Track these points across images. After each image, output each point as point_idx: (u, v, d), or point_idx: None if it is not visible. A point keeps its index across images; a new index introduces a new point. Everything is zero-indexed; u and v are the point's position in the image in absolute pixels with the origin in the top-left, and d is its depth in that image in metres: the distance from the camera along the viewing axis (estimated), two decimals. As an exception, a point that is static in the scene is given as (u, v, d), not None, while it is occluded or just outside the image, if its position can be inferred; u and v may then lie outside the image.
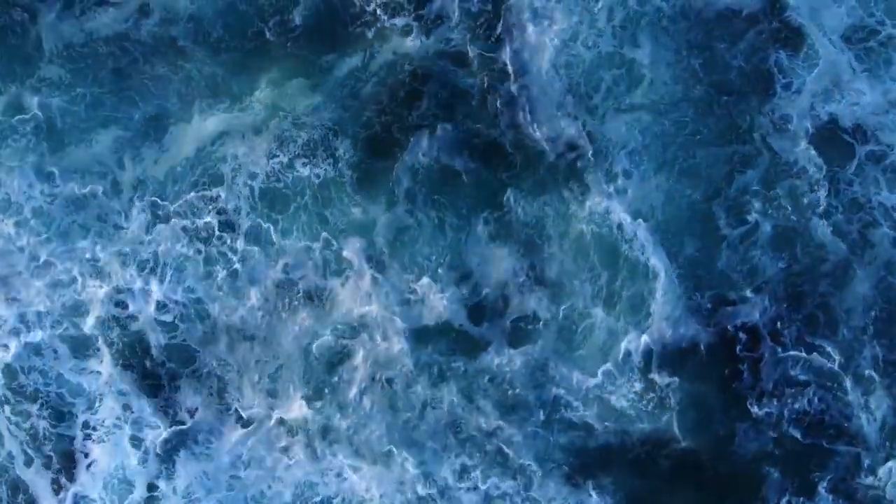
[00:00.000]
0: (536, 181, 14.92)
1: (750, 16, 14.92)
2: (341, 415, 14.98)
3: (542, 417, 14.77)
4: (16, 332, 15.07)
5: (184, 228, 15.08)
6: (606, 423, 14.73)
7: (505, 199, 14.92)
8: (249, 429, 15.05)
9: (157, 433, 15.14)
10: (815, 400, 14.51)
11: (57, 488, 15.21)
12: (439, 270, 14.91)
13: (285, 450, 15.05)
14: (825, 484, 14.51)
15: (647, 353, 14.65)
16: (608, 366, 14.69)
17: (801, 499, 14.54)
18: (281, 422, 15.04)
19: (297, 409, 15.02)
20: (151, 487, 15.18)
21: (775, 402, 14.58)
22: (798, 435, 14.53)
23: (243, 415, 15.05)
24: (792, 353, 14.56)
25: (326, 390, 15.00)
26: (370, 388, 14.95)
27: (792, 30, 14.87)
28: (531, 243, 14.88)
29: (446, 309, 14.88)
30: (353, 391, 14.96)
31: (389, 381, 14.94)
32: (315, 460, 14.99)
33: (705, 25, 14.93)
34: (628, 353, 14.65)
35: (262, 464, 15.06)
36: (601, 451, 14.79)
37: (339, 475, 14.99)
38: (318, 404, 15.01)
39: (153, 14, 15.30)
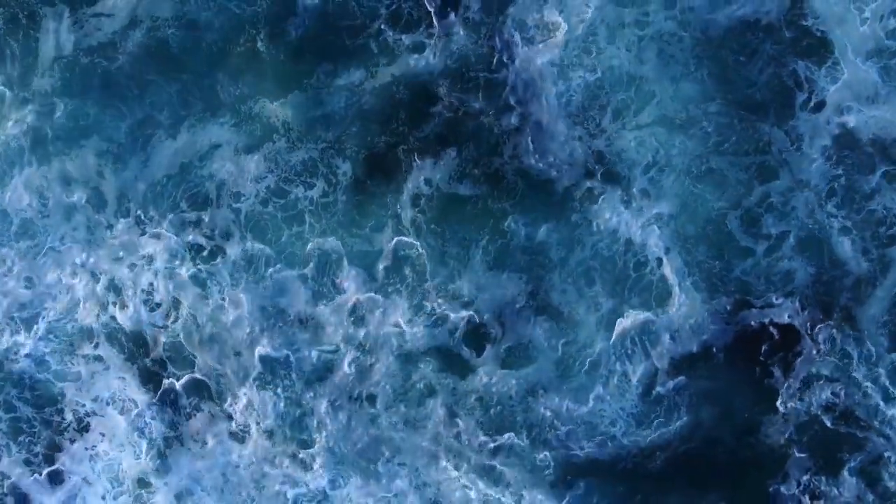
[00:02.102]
0: (544, 208, 14.75)
1: (767, 26, 14.79)
2: (329, 426, 14.95)
3: (526, 438, 14.67)
4: (3, 330, 15.15)
5: (174, 245, 14.93)
6: (612, 436, 14.63)
7: (506, 225, 14.76)
8: (238, 439, 15.06)
9: (151, 429, 15.14)
10: (842, 395, 14.43)
11: (38, 479, 14.99)
12: (439, 299, 14.70)
13: (273, 460, 15.02)
14: (852, 465, 14.41)
15: (652, 371, 14.59)
16: (614, 380, 14.62)
17: (823, 477, 14.37)
18: (269, 434, 14.95)
19: (284, 421, 14.98)
20: (142, 483, 14.79)
21: (799, 400, 14.44)
22: (828, 422, 14.43)
23: (232, 424, 15.04)
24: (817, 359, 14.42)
25: (314, 405, 14.92)
26: (359, 403, 14.89)
27: (815, 39, 14.82)
28: (536, 271, 14.72)
29: (441, 334, 14.77)
30: (341, 407, 14.91)
31: (373, 397, 14.85)
32: (302, 471, 15.00)
33: (718, 38, 14.73)
34: (635, 369, 14.60)
35: (253, 473, 15.07)
36: (601, 459, 14.72)
37: (325, 485, 15.00)
38: (307, 419, 15.00)
39: (148, 26, 15.25)
